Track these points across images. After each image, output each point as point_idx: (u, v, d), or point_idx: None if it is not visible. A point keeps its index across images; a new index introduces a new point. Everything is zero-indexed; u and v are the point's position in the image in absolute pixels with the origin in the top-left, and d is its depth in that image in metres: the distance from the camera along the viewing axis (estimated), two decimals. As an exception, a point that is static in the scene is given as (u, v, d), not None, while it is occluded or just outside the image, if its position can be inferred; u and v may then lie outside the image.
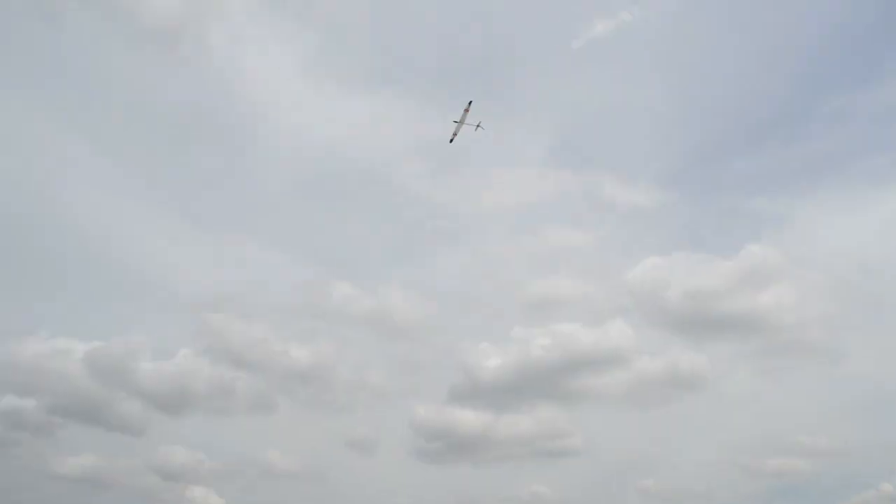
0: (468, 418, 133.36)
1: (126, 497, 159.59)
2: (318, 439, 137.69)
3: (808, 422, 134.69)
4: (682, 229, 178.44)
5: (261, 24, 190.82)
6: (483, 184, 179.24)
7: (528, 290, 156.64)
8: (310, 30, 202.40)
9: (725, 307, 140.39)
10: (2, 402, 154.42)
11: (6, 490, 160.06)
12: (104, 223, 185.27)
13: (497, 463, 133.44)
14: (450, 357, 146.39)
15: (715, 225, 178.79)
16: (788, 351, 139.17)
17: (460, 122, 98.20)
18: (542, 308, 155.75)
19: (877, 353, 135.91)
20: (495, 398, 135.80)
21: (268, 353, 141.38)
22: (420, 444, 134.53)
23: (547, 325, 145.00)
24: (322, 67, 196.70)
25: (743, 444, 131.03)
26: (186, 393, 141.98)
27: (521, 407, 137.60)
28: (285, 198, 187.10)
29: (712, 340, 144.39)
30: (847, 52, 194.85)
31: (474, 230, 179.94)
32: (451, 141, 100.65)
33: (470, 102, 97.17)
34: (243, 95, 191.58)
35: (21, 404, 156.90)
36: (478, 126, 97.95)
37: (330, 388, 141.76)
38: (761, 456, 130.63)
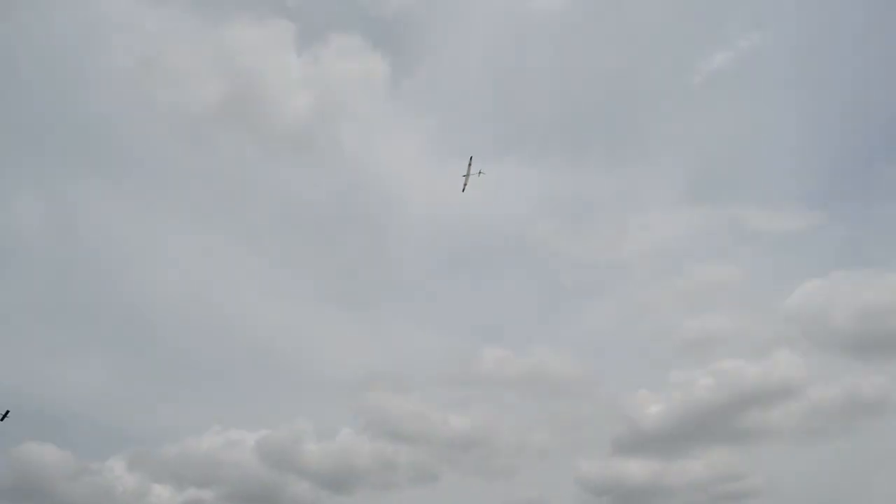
0: (635, 469, 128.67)
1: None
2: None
3: None
4: (838, 248, 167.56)
5: (385, 114, 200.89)
6: (620, 231, 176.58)
7: (683, 331, 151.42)
8: (431, 111, 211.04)
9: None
10: (184, 495, 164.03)
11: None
12: (263, 319, 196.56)
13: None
14: (609, 408, 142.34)
15: (872, 237, 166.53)
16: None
17: (467, 175, 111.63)
18: (700, 347, 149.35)
19: None
20: (662, 445, 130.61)
21: (426, 424, 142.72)
22: (587, 499, 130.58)
23: (707, 364, 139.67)
24: (446, 144, 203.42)
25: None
26: (351, 470, 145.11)
27: (690, 452, 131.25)
28: (426, 272, 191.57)
29: (892, 359, 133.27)
30: None
31: (618, 278, 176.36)
32: (463, 190, 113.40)
33: (471, 158, 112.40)
34: (377, 182, 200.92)
35: (201, 495, 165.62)
36: (480, 173, 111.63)
37: (491, 452, 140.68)
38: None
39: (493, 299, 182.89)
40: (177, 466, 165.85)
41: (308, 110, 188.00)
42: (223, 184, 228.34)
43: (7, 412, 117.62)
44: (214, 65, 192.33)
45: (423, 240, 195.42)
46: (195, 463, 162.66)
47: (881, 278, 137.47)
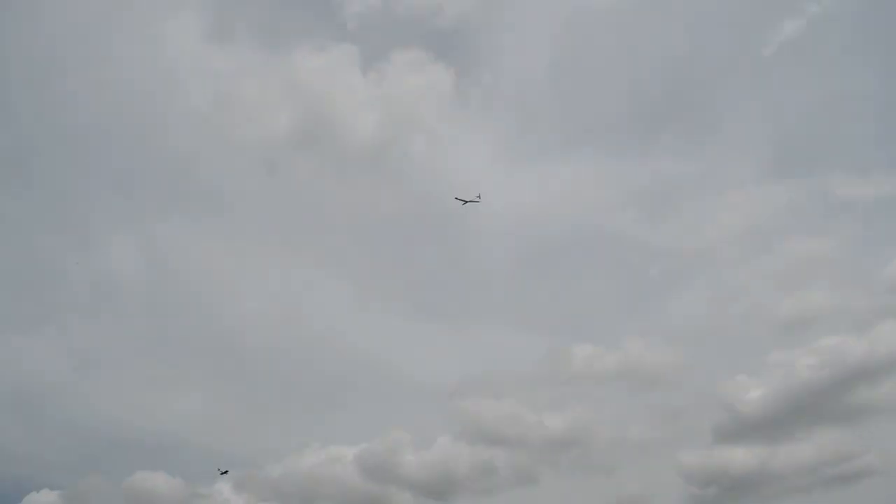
0: (740, 456, 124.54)
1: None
2: (586, 503, 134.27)
3: None
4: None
5: (453, 123, 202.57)
6: (703, 214, 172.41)
7: (779, 311, 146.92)
8: (499, 115, 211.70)
9: None
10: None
11: None
12: (352, 336, 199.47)
13: (781, 498, 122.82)
14: (708, 396, 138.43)
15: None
16: None
17: (465, 201, 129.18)
18: (799, 327, 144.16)
19: None
20: (766, 430, 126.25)
21: (522, 426, 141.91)
22: (693, 491, 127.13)
23: (807, 343, 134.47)
24: (517, 146, 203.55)
25: None
26: (450, 477, 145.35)
27: (796, 435, 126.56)
28: (508, 275, 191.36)
29: None
30: None
31: (705, 263, 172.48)
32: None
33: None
34: (451, 191, 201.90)
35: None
36: (478, 197, 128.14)
37: (590, 450, 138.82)
38: None
39: (579, 296, 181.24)
40: (281, 485, 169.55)
41: (378, 128, 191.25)
42: (303, 208, 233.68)
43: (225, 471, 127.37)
44: (284, 95, 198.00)
45: (502, 243, 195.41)
46: (298, 481, 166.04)
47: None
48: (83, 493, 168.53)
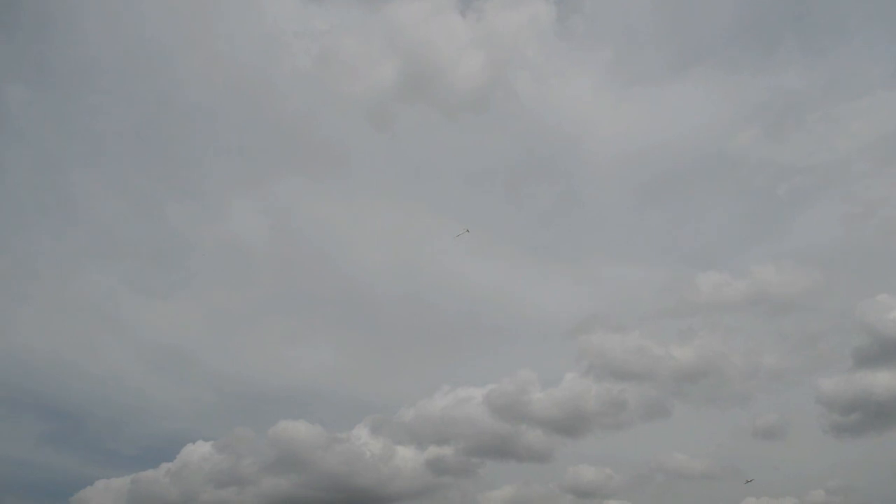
0: (884, 381, 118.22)
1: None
2: (722, 434, 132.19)
3: None
4: None
5: (556, 57, 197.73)
6: (830, 127, 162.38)
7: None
8: (602, 44, 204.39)
9: None
10: (426, 453, 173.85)
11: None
12: (472, 280, 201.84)
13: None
14: (846, 319, 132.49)
15: None
16: None
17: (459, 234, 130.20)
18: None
19: None
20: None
21: (650, 359, 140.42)
22: (834, 419, 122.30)
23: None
24: (623, 73, 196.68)
25: None
26: (580, 414, 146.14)
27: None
28: (623, 208, 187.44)
29: None
30: None
31: (836, 177, 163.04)
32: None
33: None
34: (558, 126, 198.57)
35: (441, 452, 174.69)
36: (467, 231, 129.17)
37: (722, 381, 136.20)
38: None
39: (701, 223, 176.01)
40: (415, 428, 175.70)
41: (481, 69, 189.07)
42: (412, 158, 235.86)
43: None
44: (385, 46, 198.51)
45: (615, 175, 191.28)
46: (431, 423, 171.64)
47: None
48: (232, 443, 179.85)
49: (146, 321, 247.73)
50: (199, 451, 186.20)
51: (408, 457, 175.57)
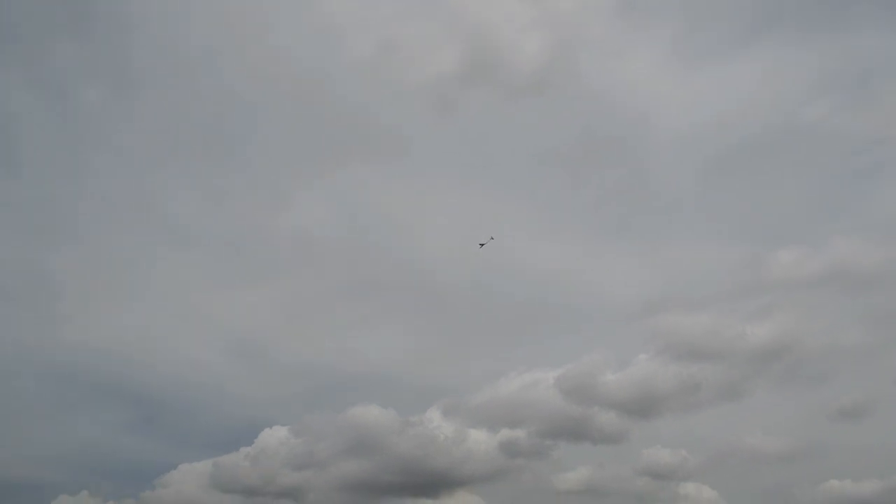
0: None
1: (625, 501, 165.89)
2: (800, 414, 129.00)
3: None
4: None
5: (619, 33, 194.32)
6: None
7: None
8: (667, 17, 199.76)
9: None
10: (499, 436, 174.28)
11: (519, 503, 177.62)
12: (540, 262, 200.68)
13: None
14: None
15: None
16: None
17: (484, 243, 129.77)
18: None
19: None
20: None
21: (724, 339, 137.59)
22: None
23: None
24: (689, 49, 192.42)
25: None
26: (654, 395, 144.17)
27: None
28: (692, 185, 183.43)
29: None
30: None
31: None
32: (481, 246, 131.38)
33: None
34: (622, 105, 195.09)
35: (514, 434, 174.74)
36: (491, 238, 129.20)
37: (800, 360, 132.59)
38: None
39: (775, 198, 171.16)
40: (487, 411, 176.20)
41: (543, 50, 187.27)
42: (475, 142, 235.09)
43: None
44: (446, 31, 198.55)
45: (682, 151, 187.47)
46: (503, 406, 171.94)
47: None
48: (308, 427, 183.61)
49: (222, 311, 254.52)
50: (276, 436, 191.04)
51: (480, 440, 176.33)
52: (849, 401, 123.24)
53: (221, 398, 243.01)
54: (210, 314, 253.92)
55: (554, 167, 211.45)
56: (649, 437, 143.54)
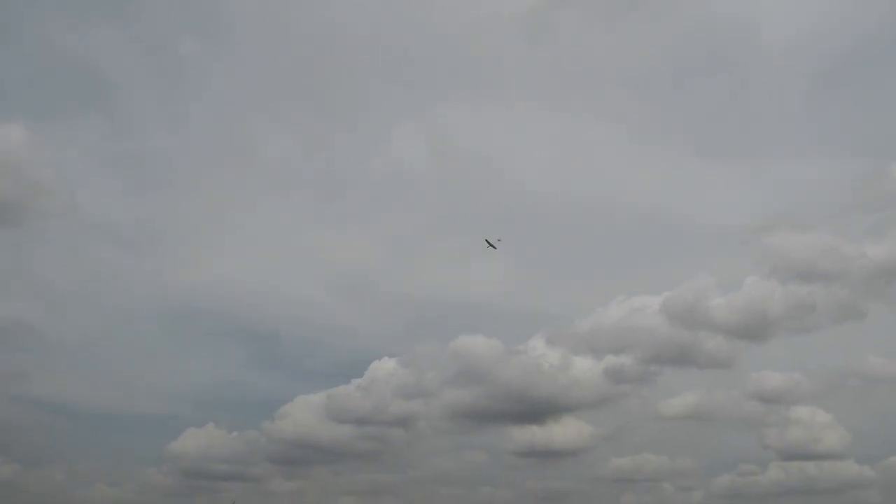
0: None
1: (732, 425, 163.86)
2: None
3: None
4: None
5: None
6: None
7: None
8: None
9: None
10: (604, 362, 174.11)
11: (625, 430, 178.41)
12: (640, 185, 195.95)
13: None
14: None
15: None
16: None
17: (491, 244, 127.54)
18: None
19: None
20: None
21: (839, 258, 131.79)
22: None
23: None
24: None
25: None
26: (763, 318, 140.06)
27: None
28: (801, 98, 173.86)
29: None
30: None
31: None
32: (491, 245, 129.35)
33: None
34: (724, 15, 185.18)
35: (619, 361, 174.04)
36: (499, 240, 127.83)
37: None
38: None
39: (890, 107, 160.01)
40: (591, 338, 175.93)
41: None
42: (570, 65, 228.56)
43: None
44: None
45: (791, 61, 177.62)
46: (607, 333, 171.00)
47: None
48: (416, 358, 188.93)
49: (326, 249, 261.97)
50: (385, 367, 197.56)
51: (585, 367, 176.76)
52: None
53: (332, 333, 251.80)
54: (316, 253, 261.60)
55: (654, 85, 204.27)
56: (759, 360, 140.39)
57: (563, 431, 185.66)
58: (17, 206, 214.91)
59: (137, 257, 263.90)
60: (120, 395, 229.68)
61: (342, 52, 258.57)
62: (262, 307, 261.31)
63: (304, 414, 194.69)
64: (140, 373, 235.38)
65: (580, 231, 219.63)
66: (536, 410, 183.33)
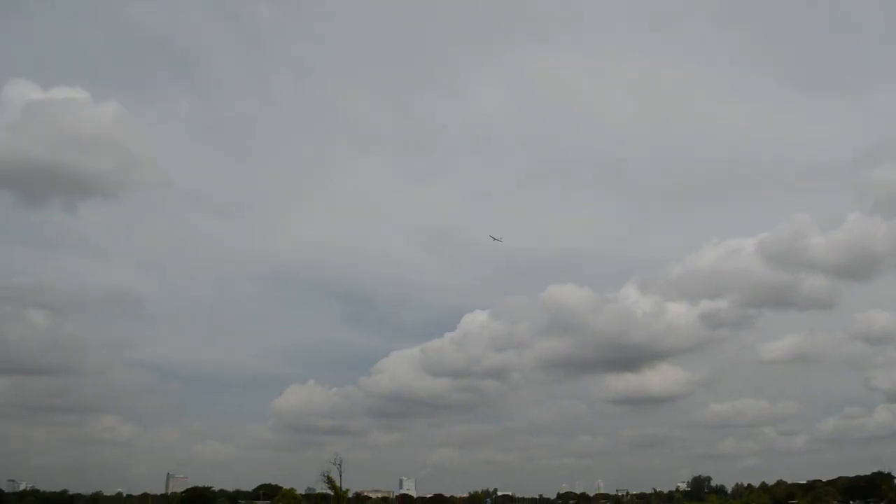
0: None
1: (836, 368, 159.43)
2: None
3: None
4: None
5: None
6: None
7: None
8: None
9: None
10: (699, 307, 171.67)
11: (723, 375, 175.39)
12: (727, 125, 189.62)
13: None
14: None
15: None
16: None
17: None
18: None
19: None
20: None
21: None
22: None
23: None
24: None
25: None
26: (868, 256, 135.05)
27: None
28: None
29: None
30: None
31: None
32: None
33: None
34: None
35: (715, 305, 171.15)
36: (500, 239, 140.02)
37: None
38: None
39: None
40: (685, 283, 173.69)
41: None
42: (651, 5, 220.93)
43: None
44: None
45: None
46: (701, 277, 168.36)
47: None
48: (506, 310, 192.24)
49: (412, 205, 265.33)
50: (477, 320, 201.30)
51: (679, 312, 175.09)
52: None
53: (423, 288, 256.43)
54: (401, 208, 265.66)
55: (745, 18, 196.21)
56: (864, 300, 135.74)
57: (659, 378, 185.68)
58: (116, 180, 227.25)
59: (231, 224, 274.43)
60: (224, 357, 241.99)
61: (416, 7, 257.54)
62: (354, 266, 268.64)
63: (399, 368, 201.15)
64: (242, 335, 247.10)
65: (668, 174, 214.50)
66: (631, 358, 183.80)
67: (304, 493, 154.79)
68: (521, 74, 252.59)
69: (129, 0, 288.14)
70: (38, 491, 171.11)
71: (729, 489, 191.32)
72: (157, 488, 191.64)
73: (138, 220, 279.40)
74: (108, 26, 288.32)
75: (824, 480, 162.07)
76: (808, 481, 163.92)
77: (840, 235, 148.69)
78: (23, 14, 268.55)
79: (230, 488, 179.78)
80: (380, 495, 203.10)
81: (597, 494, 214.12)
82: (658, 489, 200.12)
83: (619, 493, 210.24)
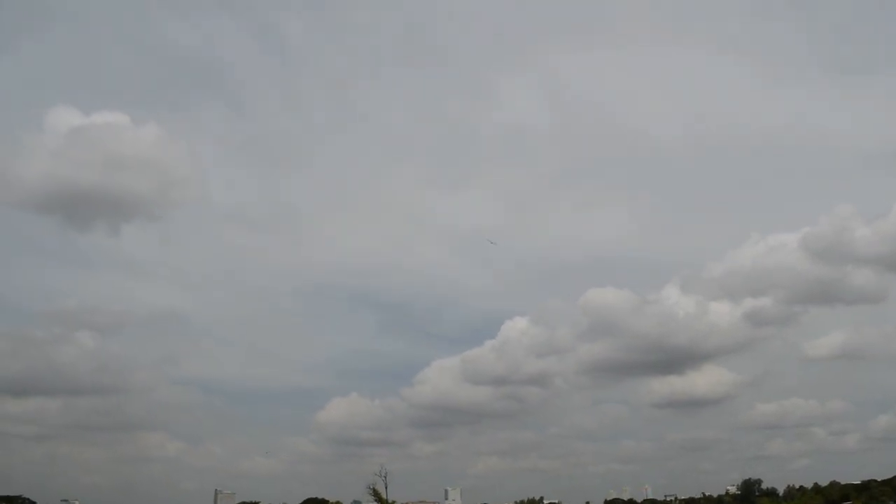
0: None
1: (887, 363, 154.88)
2: None
3: None
4: None
5: None
6: None
7: None
8: None
9: None
10: (742, 306, 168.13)
11: (769, 375, 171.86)
12: (769, 116, 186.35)
13: None
14: None
15: None
16: None
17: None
18: None
19: None
20: None
21: None
22: None
23: None
24: None
25: None
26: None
27: None
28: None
29: None
30: None
31: None
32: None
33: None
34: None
35: (758, 303, 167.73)
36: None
37: None
38: None
39: None
40: (727, 282, 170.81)
41: None
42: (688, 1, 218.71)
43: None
44: None
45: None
46: (743, 275, 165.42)
47: None
48: (546, 315, 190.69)
49: (447, 212, 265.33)
50: (517, 327, 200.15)
51: (722, 312, 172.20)
52: None
53: (461, 295, 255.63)
54: (436, 216, 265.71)
55: (773, 5, 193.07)
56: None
57: (704, 380, 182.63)
58: (157, 201, 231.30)
59: (270, 238, 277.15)
60: (266, 372, 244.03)
61: (441, 14, 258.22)
62: (391, 276, 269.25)
63: (440, 378, 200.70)
64: (285, 349, 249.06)
65: (705, 171, 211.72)
66: (674, 360, 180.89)
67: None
68: (554, 76, 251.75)
69: (162, 21, 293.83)
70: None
71: (780, 491, 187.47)
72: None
73: (180, 238, 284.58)
74: (142, 48, 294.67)
75: (879, 480, 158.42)
76: (863, 481, 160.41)
77: (886, 226, 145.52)
78: (58, 38, 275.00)
79: (277, 503, 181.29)
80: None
81: (644, 500, 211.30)
82: (707, 493, 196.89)
83: (668, 499, 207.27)
